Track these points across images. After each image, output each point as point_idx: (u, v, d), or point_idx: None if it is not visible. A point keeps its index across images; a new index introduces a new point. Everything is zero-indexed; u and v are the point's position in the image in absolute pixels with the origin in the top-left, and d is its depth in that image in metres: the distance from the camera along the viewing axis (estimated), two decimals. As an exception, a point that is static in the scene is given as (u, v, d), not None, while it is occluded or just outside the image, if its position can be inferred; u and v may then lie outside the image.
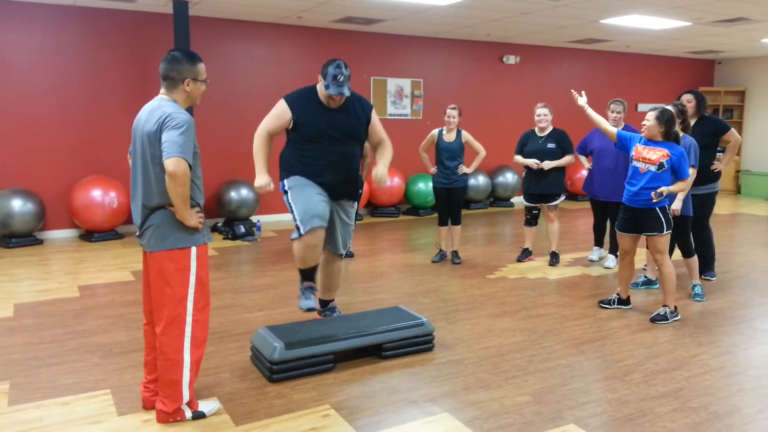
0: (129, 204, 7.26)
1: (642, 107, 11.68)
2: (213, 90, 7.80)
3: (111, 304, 4.82)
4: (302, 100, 3.90)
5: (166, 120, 2.72)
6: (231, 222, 7.72)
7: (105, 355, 3.77)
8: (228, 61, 8.10)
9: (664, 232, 4.37)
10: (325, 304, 4.37)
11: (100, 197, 6.98)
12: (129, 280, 5.50)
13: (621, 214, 4.54)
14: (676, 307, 4.56)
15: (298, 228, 3.82)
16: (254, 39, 8.26)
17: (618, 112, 5.74)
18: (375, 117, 4.11)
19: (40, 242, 7.01)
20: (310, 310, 3.98)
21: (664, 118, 4.29)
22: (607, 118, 5.74)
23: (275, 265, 6.10)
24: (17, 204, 6.71)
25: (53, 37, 7.15)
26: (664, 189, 4.23)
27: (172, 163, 2.65)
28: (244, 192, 7.86)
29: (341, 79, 3.77)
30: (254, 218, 8.09)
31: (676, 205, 4.76)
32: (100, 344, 3.95)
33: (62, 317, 4.48)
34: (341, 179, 3.96)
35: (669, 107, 4.45)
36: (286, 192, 3.94)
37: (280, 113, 3.89)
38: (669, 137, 4.31)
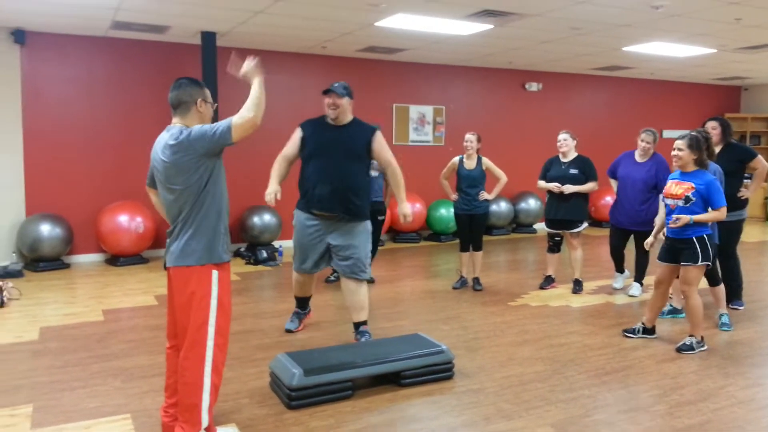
0: (154, 228, 7.38)
1: (668, 134, 11.57)
2: (238, 117, 7.93)
3: (134, 328, 4.88)
4: (312, 123, 4.40)
5: (181, 134, 2.77)
6: (253, 247, 7.79)
7: (127, 379, 3.80)
8: (253, 90, 8.24)
9: (698, 264, 4.26)
10: (356, 326, 4.47)
11: (126, 222, 7.12)
12: (152, 305, 5.57)
13: (662, 244, 4.50)
14: (702, 338, 4.46)
15: (294, 261, 4.50)
16: (280, 68, 8.42)
17: (648, 142, 5.70)
18: (378, 141, 4.31)
19: (67, 266, 7.14)
20: (287, 331, 4.72)
21: (695, 145, 4.25)
22: (636, 145, 5.81)
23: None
24: (46, 228, 6.86)
25: (85, 68, 7.37)
26: (684, 217, 4.18)
27: (233, 123, 2.72)
28: (267, 217, 7.94)
29: (335, 84, 4.25)
30: (276, 243, 8.15)
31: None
32: (122, 368, 3.99)
33: (86, 341, 4.54)
34: (334, 189, 4.18)
35: (694, 133, 4.41)
36: (294, 225, 4.46)
37: (294, 135, 4.42)
38: (703, 165, 4.28)
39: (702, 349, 4.40)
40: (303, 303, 4.77)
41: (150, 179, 3.09)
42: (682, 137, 4.33)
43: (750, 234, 10.02)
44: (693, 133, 4.36)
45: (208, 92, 3.00)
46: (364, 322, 4.44)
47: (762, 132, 12.16)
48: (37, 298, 5.78)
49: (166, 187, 2.86)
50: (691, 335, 4.43)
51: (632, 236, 5.80)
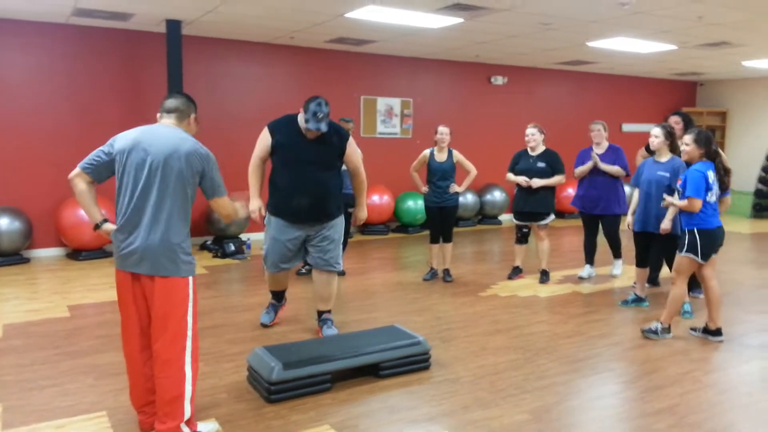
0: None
1: (627, 127, 11.88)
2: (204, 109, 7.79)
3: (102, 324, 4.77)
4: (282, 127, 4.23)
5: (207, 159, 2.94)
6: (220, 240, 7.69)
7: (99, 377, 3.72)
8: (220, 80, 8.12)
9: (681, 253, 4.41)
10: (320, 314, 4.54)
11: (87, 216, 6.91)
12: (119, 300, 5.44)
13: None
14: (670, 326, 4.60)
15: (264, 261, 4.46)
16: (247, 58, 8.30)
17: (598, 130, 6.18)
18: (351, 148, 4.36)
19: (26, 261, 6.92)
20: (263, 324, 4.68)
21: (701, 140, 4.33)
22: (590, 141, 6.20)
23: (266, 284, 6.06)
24: (4, 222, 6.63)
25: (46, 55, 7.12)
26: (668, 199, 4.38)
27: (225, 204, 3.11)
28: (234, 210, 7.83)
29: (320, 116, 4.05)
30: (243, 236, 8.06)
31: (665, 225, 4.85)
32: (93, 365, 3.90)
33: (53, 338, 4.42)
34: (312, 203, 4.20)
35: (674, 126, 4.55)
36: (267, 222, 4.38)
37: (262, 138, 4.26)
38: (710, 158, 4.35)
39: (666, 336, 4.55)
40: (280, 295, 4.76)
41: (93, 166, 2.97)
42: (690, 132, 4.41)
43: (705, 225, 10.36)
44: (702, 129, 4.44)
45: (196, 112, 3.13)
46: (329, 311, 4.56)
47: (717, 126, 12.58)
48: (-3, 294, 5.60)
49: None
50: (659, 321, 4.58)
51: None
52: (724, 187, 4.44)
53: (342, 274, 6.46)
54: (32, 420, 3.13)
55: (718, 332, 4.52)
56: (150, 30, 7.50)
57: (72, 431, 3.03)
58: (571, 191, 10.74)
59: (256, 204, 4.25)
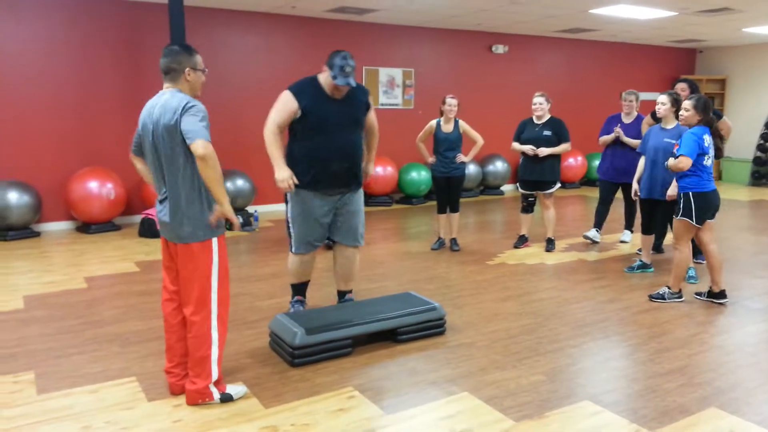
0: (125, 195, 7.26)
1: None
2: (207, 79, 7.77)
3: (120, 294, 4.86)
4: (307, 90, 3.91)
5: (184, 108, 2.80)
6: (227, 212, 7.74)
7: (124, 344, 3.82)
8: (223, 51, 8.09)
9: (678, 217, 4.51)
10: (341, 295, 4.36)
11: (97, 189, 6.97)
12: (134, 271, 5.53)
13: None
14: (680, 291, 4.71)
15: (291, 245, 4.12)
16: (248, 28, 8.26)
17: (630, 101, 6.29)
18: (371, 107, 4.20)
19: (37, 234, 6.98)
20: None
21: (700, 106, 4.39)
22: (621, 108, 6.39)
23: (276, 255, 6.17)
24: (13, 196, 6.67)
25: (44, 26, 7.08)
26: (672, 161, 4.42)
27: (200, 146, 2.72)
28: (240, 182, 7.89)
29: (348, 70, 3.80)
30: (251, 208, 8.13)
31: (671, 191, 4.94)
32: (116, 334, 4.00)
33: (73, 308, 4.51)
34: (347, 167, 3.98)
35: (680, 93, 4.60)
36: (287, 201, 4.09)
37: (287, 103, 3.88)
38: (708, 124, 4.42)
39: (676, 300, 4.67)
40: (302, 289, 4.31)
41: (137, 146, 3.08)
42: (690, 97, 4.48)
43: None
44: (702, 95, 4.51)
45: (198, 60, 3.00)
46: (351, 291, 4.39)
47: (716, 93, 12.61)
48: (13, 267, 5.67)
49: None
50: (667, 286, 4.70)
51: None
52: (719, 154, 4.53)
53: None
54: (65, 385, 3.24)
55: (722, 294, 4.64)
56: (151, 0, 7.45)
57: (106, 395, 3.13)
58: (572, 161, 10.82)
59: (285, 173, 3.83)
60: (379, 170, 8.98)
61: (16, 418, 2.92)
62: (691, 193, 4.44)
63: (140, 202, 7.66)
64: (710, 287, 4.71)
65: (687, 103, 4.45)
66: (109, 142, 7.51)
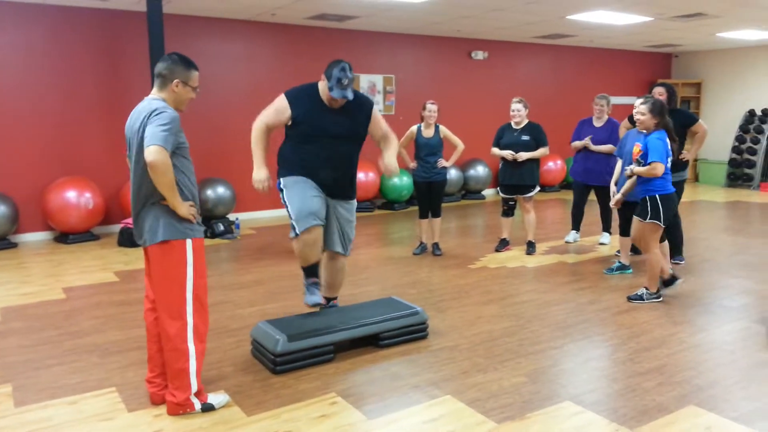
0: (104, 204, 7.20)
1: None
2: (187, 88, 7.76)
3: (99, 304, 4.80)
4: (303, 98, 3.83)
5: (151, 114, 2.79)
6: (208, 220, 7.70)
7: (103, 355, 3.78)
8: (202, 59, 8.03)
9: (646, 221, 4.59)
10: (327, 301, 4.28)
11: (75, 198, 6.89)
12: (113, 281, 5.47)
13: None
14: (658, 290, 4.77)
15: (293, 227, 3.82)
16: (228, 36, 8.24)
17: (601, 105, 6.45)
18: (375, 113, 4.06)
19: (14, 245, 6.88)
20: (316, 305, 3.99)
21: (656, 110, 4.50)
22: (591, 111, 6.54)
23: (258, 262, 6.14)
24: (-11, 207, 6.57)
25: (23, 36, 6.99)
26: (631, 168, 4.59)
27: (150, 152, 2.70)
28: (221, 190, 7.85)
29: (345, 83, 3.72)
30: (232, 216, 8.08)
31: (621, 194, 5.03)
32: (95, 344, 3.95)
33: (52, 319, 4.45)
34: (338, 177, 3.92)
35: (657, 97, 4.72)
36: (281, 190, 3.91)
37: (280, 109, 3.82)
38: (665, 126, 4.54)
39: (654, 300, 4.74)
40: (314, 270, 4.03)
41: (129, 152, 3.07)
42: (645, 101, 4.57)
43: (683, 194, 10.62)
44: (654, 98, 4.64)
45: (193, 75, 2.97)
46: (336, 297, 4.34)
47: (692, 97, 12.82)
48: (-11, 278, 5.58)
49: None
50: (645, 287, 4.77)
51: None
52: (672, 156, 4.64)
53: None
54: (44, 397, 3.19)
55: (673, 279, 4.78)
56: (130, 9, 7.41)
57: (85, 407, 3.09)
58: (551, 165, 10.93)
59: (263, 173, 3.78)
60: (361, 176, 8.98)
61: (-8, 431, 2.87)
62: (657, 196, 4.53)
63: (119, 211, 7.58)
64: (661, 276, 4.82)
65: (642, 108, 4.56)
66: (87, 151, 7.44)
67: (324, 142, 3.84)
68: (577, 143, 6.48)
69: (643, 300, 4.72)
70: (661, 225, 4.57)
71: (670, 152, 4.54)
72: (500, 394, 3.21)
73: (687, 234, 7.08)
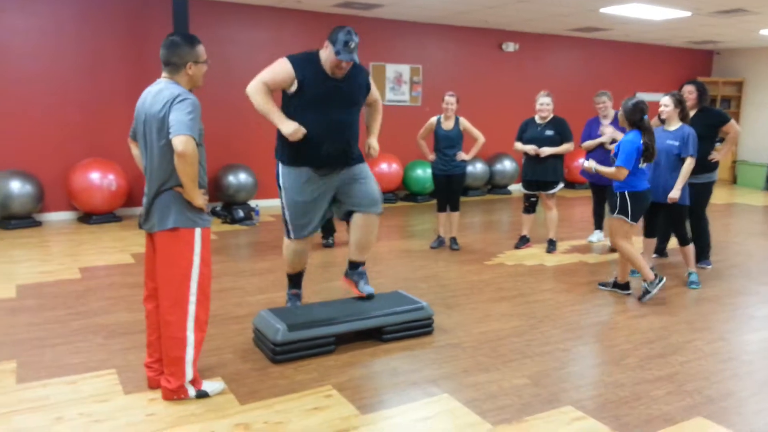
0: (127, 186, 7.28)
1: (641, 96, 11.68)
2: (212, 74, 7.77)
3: (112, 285, 4.85)
4: (306, 64, 3.67)
5: (174, 101, 2.76)
6: (229, 206, 7.74)
7: (108, 336, 3.81)
8: (227, 45, 8.07)
9: (613, 215, 4.67)
10: (355, 266, 4.04)
11: (98, 180, 6.99)
12: (129, 263, 5.53)
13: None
14: (656, 275, 4.71)
15: (288, 231, 3.92)
16: (253, 23, 8.23)
17: (603, 102, 6.18)
18: (371, 81, 3.98)
19: (38, 224, 7.02)
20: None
21: (627, 110, 4.56)
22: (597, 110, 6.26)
23: (274, 250, 6.13)
24: (16, 186, 6.71)
25: (49, 19, 7.10)
26: (592, 163, 4.74)
27: (180, 141, 2.68)
28: (243, 176, 7.87)
29: (352, 46, 3.58)
30: (252, 203, 8.11)
31: (674, 194, 4.83)
32: (103, 325, 3.99)
33: (65, 298, 4.51)
34: (342, 148, 3.76)
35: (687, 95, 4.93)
36: (280, 188, 3.88)
37: (281, 69, 3.66)
38: (638, 127, 4.52)
39: (660, 284, 4.65)
40: (298, 280, 4.17)
41: (134, 132, 3.05)
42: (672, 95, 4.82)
43: (718, 196, 10.30)
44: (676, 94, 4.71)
45: (200, 51, 2.92)
46: (364, 262, 4.08)
47: (733, 96, 12.38)
48: (10, 255, 5.69)
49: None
50: (643, 281, 4.71)
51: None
52: (647, 160, 4.54)
53: (330, 246, 6.35)
54: (44, 375, 3.22)
55: (626, 286, 4.86)
56: (158, -7, 7.45)
57: (83, 387, 3.11)
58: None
59: (292, 125, 3.59)
60: (384, 167, 8.92)
61: (-10, 407, 2.91)
62: (626, 193, 4.59)
63: (142, 193, 7.66)
64: (616, 278, 4.92)
65: (622, 108, 4.60)
66: (112, 133, 7.53)
67: (327, 112, 3.68)
68: (589, 143, 6.18)
69: (650, 292, 4.66)
70: (629, 221, 4.60)
71: (641, 151, 4.48)
72: (499, 395, 3.12)
73: (718, 237, 6.85)
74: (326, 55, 3.66)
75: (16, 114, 7.06)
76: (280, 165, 3.86)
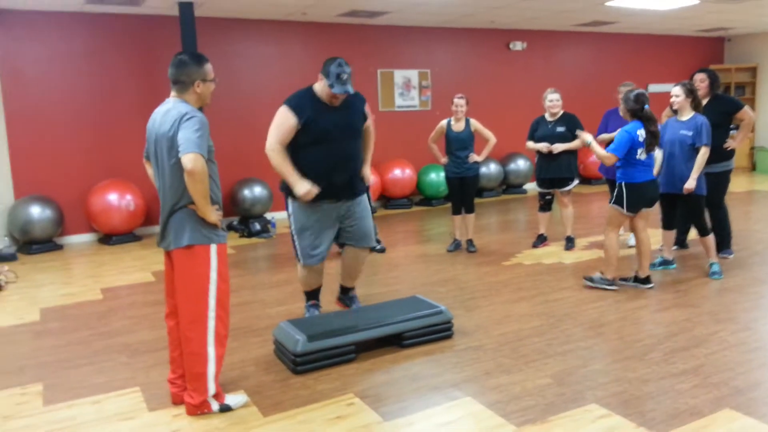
0: (145, 206, 7.37)
1: (653, 87, 11.59)
2: (222, 89, 7.86)
3: (134, 304, 4.91)
4: (304, 102, 3.84)
5: (182, 119, 2.79)
6: (246, 220, 7.80)
7: (132, 354, 3.85)
8: (235, 60, 8.15)
9: (610, 204, 4.71)
10: (345, 291, 4.41)
11: (116, 200, 7.08)
12: (150, 281, 5.59)
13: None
14: (613, 279, 4.80)
15: (298, 258, 4.10)
16: (260, 37, 8.31)
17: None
18: (366, 108, 4.13)
19: (60, 247, 7.13)
20: None
21: (629, 102, 4.55)
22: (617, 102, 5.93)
23: (291, 260, 6.16)
24: (36, 211, 6.82)
25: (62, 44, 7.24)
26: (588, 137, 4.81)
27: (189, 159, 2.72)
28: (258, 190, 7.93)
29: (345, 77, 3.75)
30: (268, 215, 8.16)
31: (689, 184, 4.77)
32: (126, 344, 4.03)
33: (87, 319, 4.57)
34: (347, 178, 3.94)
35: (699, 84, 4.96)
36: (289, 215, 4.05)
37: (284, 120, 3.81)
38: (639, 117, 4.52)
39: (606, 287, 4.75)
40: (314, 294, 4.32)
41: (147, 153, 3.09)
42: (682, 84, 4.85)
43: (737, 184, 10.15)
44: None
45: (208, 69, 2.96)
46: (354, 287, 4.45)
47: (746, 82, 12.20)
48: (34, 280, 5.79)
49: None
50: (600, 271, 4.83)
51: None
52: (650, 149, 4.53)
53: (382, 251, 6.44)
54: (70, 397, 3.27)
55: (647, 280, 4.80)
56: (163, 14, 7.56)
57: (108, 406, 3.15)
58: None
59: (305, 185, 3.78)
60: (398, 172, 8.93)
61: (19, 429, 2.95)
62: (624, 184, 4.61)
63: (159, 212, 7.74)
64: (636, 272, 4.85)
65: (622, 103, 4.63)
66: (127, 154, 7.63)
67: (331, 144, 3.86)
68: (606, 135, 5.95)
69: (593, 282, 4.77)
70: (624, 212, 4.63)
71: (643, 143, 4.48)
72: (523, 396, 3.10)
73: (738, 225, 6.75)
74: (321, 87, 3.85)
75: (33, 140, 7.19)
76: (290, 198, 4.01)
